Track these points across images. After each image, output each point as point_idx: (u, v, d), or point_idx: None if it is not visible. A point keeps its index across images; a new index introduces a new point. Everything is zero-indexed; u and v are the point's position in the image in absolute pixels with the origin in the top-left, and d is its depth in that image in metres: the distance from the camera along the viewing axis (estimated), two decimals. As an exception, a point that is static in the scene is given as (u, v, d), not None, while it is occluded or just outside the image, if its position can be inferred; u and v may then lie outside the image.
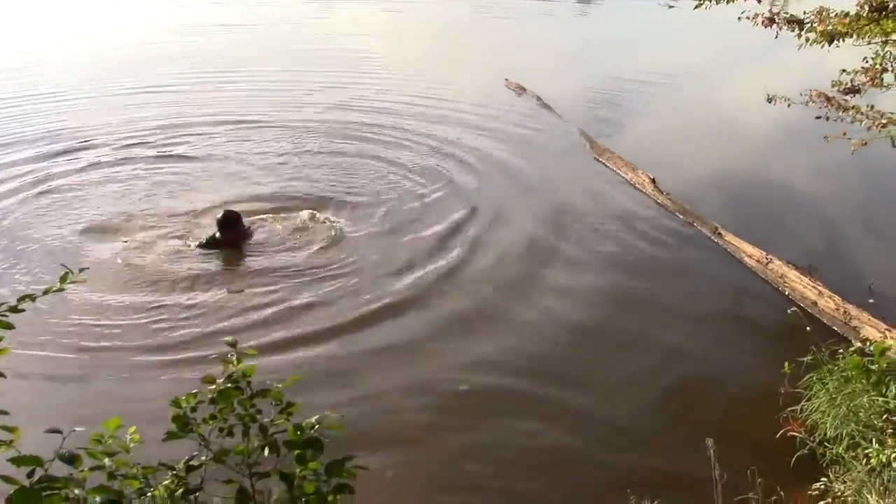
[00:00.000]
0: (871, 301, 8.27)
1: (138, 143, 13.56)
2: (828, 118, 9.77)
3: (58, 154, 12.88)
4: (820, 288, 8.32)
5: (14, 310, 2.54)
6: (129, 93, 17.49)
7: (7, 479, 2.37)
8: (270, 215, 10.42)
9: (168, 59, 20.92)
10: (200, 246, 9.34)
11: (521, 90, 18.23)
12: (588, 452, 6.08)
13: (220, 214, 9.54)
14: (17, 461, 2.40)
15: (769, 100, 9.71)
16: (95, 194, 11.19)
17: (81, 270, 2.83)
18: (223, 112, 15.78)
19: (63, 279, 2.71)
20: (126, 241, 9.47)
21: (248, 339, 6.94)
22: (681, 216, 10.65)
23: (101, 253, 9.17)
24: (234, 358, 2.78)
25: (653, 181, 11.65)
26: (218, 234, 9.37)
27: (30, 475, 2.40)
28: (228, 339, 2.88)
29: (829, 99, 9.74)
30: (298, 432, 2.69)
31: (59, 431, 2.60)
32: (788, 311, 6.99)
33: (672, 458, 5.93)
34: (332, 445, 2.72)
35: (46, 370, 6.79)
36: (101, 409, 6.05)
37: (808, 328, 6.31)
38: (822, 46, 8.09)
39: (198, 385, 2.81)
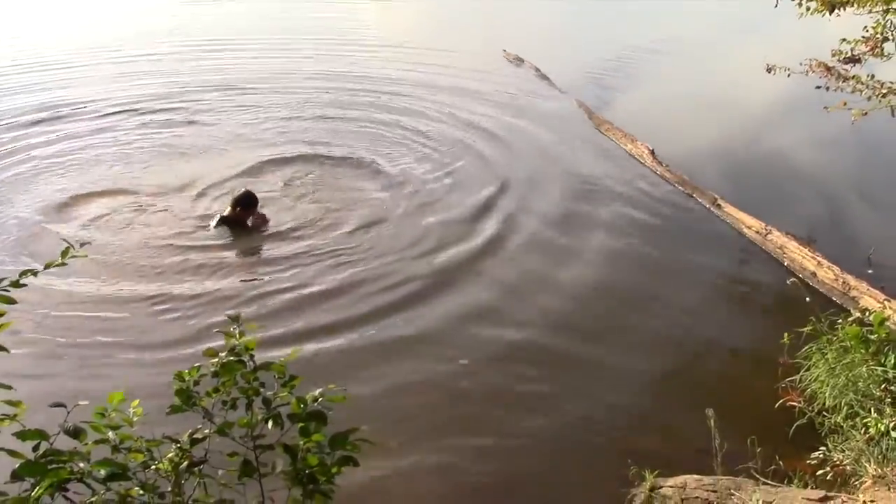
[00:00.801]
0: (870, 271, 8.28)
1: (134, 110, 13.62)
2: (828, 88, 9.72)
3: (51, 122, 13.00)
4: (819, 258, 8.32)
5: (16, 284, 2.54)
6: (126, 61, 17.54)
7: (12, 454, 2.38)
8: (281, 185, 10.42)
9: (166, 31, 20.93)
10: (215, 226, 9.08)
11: (519, 61, 18.15)
12: (588, 423, 6.10)
13: (240, 192, 9.25)
14: (22, 435, 2.41)
15: (769, 69, 9.65)
16: (96, 164, 11.22)
17: (83, 245, 2.82)
18: (221, 79, 15.88)
19: (64, 254, 2.70)
20: (126, 215, 9.41)
21: (259, 322, 6.91)
22: (680, 187, 10.63)
23: (101, 226, 9.13)
24: (237, 331, 2.78)
25: (652, 152, 11.62)
26: (227, 212, 9.09)
27: (35, 449, 2.41)
28: (231, 312, 2.88)
29: (829, 69, 9.68)
30: (302, 405, 2.70)
31: (63, 406, 2.62)
32: (788, 282, 7.02)
33: (672, 428, 5.95)
34: (336, 420, 2.73)
35: (49, 347, 6.77)
36: (103, 385, 6.05)
37: (807, 298, 6.34)
38: (822, 15, 8.03)
39: (200, 360, 2.81)
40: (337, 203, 9.88)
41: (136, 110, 13.58)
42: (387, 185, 10.61)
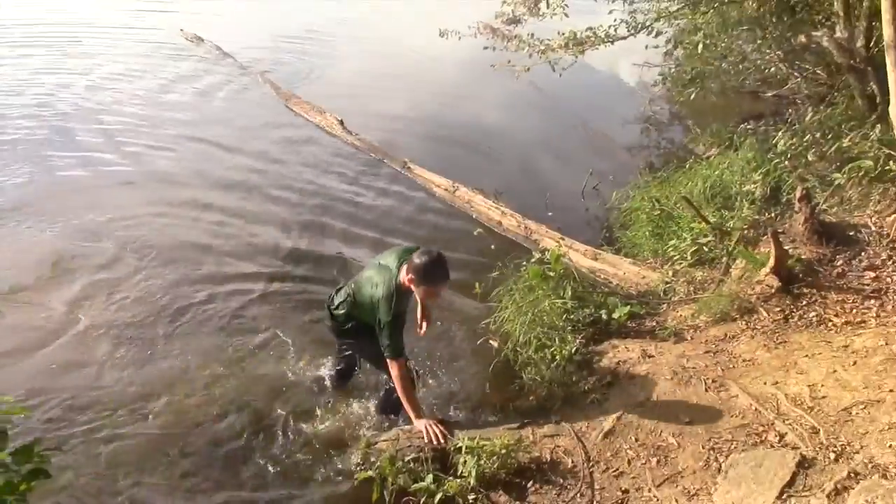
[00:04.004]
0: (549, 214, 9.01)
1: None
2: (495, 48, 10.44)
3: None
4: (503, 209, 8.89)
5: None
6: None
7: None
8: None
9: None
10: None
11: (198, 40, 17.52)
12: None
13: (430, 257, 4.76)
14: None
15: (441, 34, 10.18)
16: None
17: None
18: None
19: None
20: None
21: None
22: (372, 154, 10.89)
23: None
24: None
25: (341, 122, 11.78)
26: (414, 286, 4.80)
27: None
28: None
29: (494, 30, 10.38)
30: (-24, 426, 2.54)
31: None
32: (475, 233, 7.46)
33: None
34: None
35: None
36: None
37: (492, 246, 6.78)
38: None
39: None
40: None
41: None
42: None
